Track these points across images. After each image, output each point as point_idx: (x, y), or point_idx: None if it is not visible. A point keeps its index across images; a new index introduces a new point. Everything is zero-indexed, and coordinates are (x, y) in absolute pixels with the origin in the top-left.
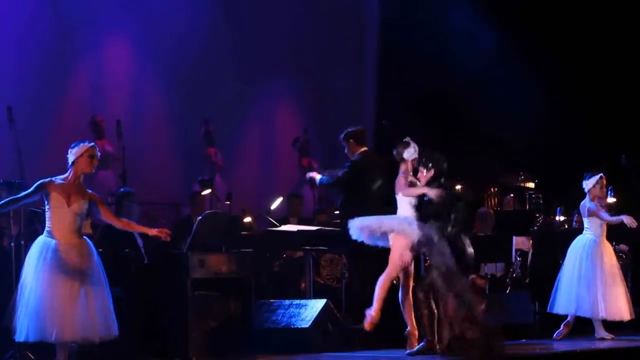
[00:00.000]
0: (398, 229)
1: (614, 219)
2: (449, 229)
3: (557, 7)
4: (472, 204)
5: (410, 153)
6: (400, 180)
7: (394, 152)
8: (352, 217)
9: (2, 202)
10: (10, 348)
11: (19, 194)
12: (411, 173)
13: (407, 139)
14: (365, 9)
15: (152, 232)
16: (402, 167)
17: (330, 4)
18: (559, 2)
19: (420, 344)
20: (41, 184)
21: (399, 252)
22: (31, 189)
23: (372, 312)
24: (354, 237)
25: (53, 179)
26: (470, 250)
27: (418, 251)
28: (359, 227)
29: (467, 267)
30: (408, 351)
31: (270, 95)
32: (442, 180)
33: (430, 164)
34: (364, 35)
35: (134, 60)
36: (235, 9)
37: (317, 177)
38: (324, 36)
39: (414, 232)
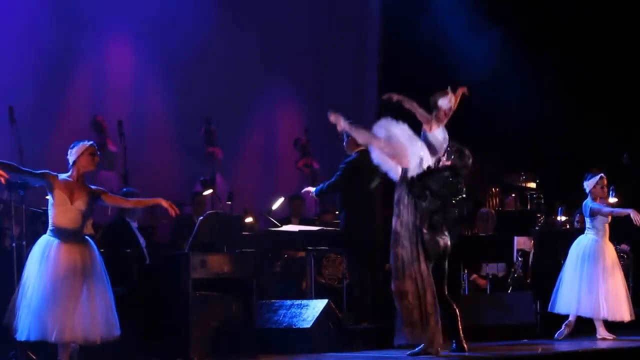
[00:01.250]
0: (407, 144)
1: (618, 210)
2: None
3: (559, 6)
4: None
5: (444, 102)
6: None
7: (431, 98)
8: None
9: (4, 161)
10: (12, 348)
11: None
12: (442, 123)
13: (448, 88)
14: (367, 9)
15: (164, 203)
16: (434, 113)
17: (332, 3)
18: (562, 1)
19: (421, 346)
20: (48, 173)
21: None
22: (37, 171)
23: None
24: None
25: (58, 174)
26: (443, 241)
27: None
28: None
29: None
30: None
31: (271, 95)
32: (459, 173)
33: (452, 155)
34: (366, 35)
35: (136, 60)
36: (237, 9)
37: (312, 190)
38: (325, 36)
39: (415, 159)
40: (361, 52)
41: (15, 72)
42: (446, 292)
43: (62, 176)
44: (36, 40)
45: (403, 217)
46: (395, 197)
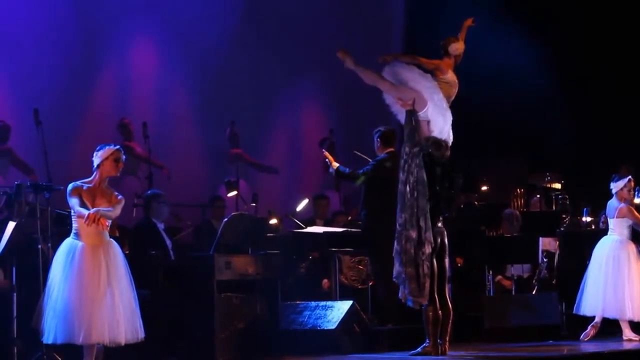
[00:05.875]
0: (421, 86)
1: None
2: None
3: (584, 6)
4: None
5: (454, 49)
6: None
7: (441, 43)
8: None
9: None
10: (38, 350)
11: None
12: (450, 68)
13: (459, 35)
14: (391, 9)
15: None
16: (443, 59)
17: (357, 3)
18: (587, 1)
19: (423, 345)
20: (76, 189)
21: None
22: (74, 197)
23: None
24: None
25: (80, 183)
26: (427, 235)
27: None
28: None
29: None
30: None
31: (296, 96)
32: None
33: (429, 148)
34: (390, 35)
35: (160, 61)
36: (261, 9)
37: (335, 164)
38: (349, 36)
39: (430, 96)
40: (386, 53)
41: (40, 74)
42: (446, 291)
43: (85, 184)
44: (61, 42)
45: (409, 180)
46: (403, 152)
